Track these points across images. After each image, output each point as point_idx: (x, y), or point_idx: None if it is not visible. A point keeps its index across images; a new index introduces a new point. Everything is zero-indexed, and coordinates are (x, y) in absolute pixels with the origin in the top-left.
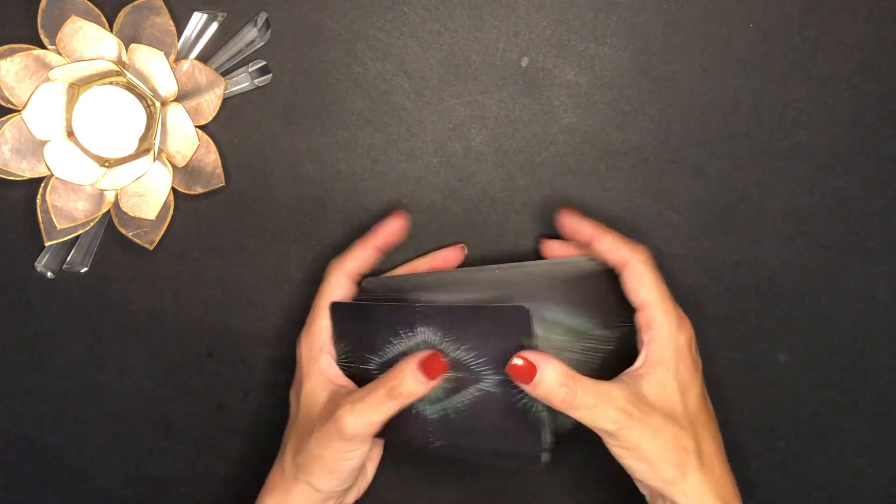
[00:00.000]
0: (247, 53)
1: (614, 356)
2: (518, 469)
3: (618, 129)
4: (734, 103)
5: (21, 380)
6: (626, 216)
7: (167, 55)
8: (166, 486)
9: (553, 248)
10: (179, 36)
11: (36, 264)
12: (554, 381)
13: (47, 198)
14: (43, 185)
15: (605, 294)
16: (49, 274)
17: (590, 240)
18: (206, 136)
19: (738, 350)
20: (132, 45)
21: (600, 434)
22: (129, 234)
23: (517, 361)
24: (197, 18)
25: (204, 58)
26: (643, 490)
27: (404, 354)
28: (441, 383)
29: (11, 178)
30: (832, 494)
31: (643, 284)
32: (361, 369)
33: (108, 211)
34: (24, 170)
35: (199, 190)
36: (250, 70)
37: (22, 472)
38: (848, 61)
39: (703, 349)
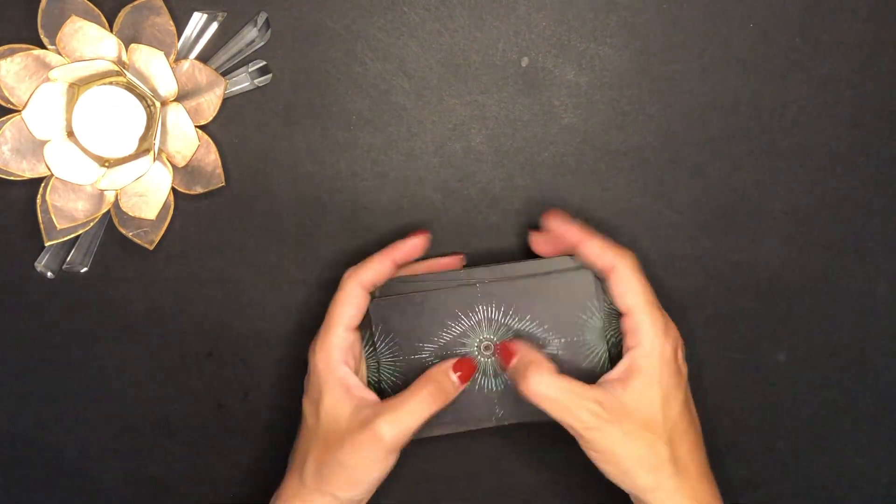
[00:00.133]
0: (247, 53)
1: (600, 358)
2: None
3: (618, 129)
4: (734, 103)
5: (21, 380)
6: (626, 216)
7: (167, 55)
8: (166, 486)
9: (540, 243)
10: (179, 36)
11: (36, 264)
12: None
13: (47, 198)
14: (43, 185)
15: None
16: (49, 274)
17: (576, 244)
18: (206, 136)
19: (738, 350)
20: (132, 45)
21: (573, 434)
22: (129, 234)
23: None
24: (197, 18)
25: (204, 58)
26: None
27: (465, 335)
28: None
29: (11, 178)
30: (832, 494)
31: (630, 290)
32: (413, 360)
33: (108, 211)
34: (24, 170)
35: (199, 190)
36: (250, 70)
37: (22, 472)
38: (848, 61)
39: (703, 349)
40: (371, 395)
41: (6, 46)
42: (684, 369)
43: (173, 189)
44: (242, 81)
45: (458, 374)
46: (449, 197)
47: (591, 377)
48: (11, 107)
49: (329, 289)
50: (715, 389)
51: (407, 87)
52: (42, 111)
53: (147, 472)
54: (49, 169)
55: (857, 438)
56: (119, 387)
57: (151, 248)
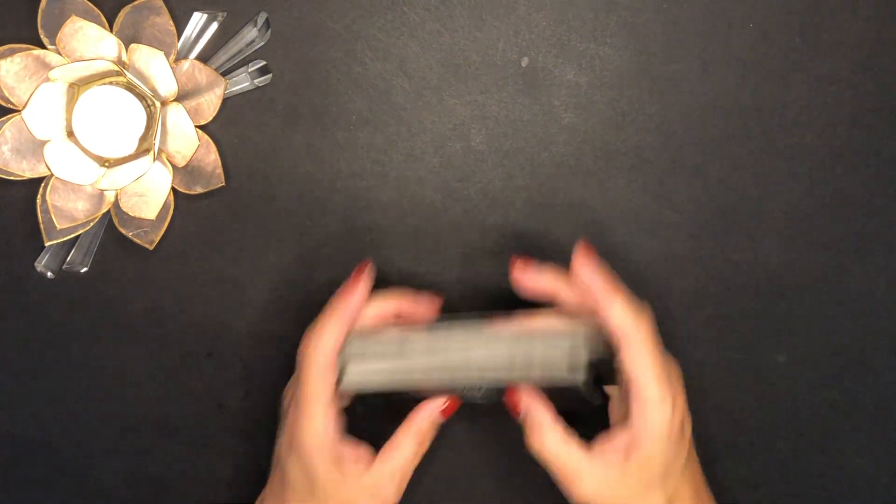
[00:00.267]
0: (247, 53)
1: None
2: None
3: (618, 129)
4: (734, 103)
5: (21, 380)
6: (626, 216)
7: (167, 55)
8: (166, 486)
9: (525, 279)
10: (179, 36)
11: (36, 264)
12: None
13: (47, 198)
14: (43, 185)
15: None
16: (49, 274)
17: (598, 304)
18: (206, 136)
19: (738, 350)
20: (132, 45)
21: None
22: (129, 234)
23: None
24: (197, 18)
25: (204, 58)
26: None
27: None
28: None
29: (11, 178)
30: (832, 494)
31: (643, 364)
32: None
33: (108, 211)
34: (24, 170)
35: (199, 190)
36: (250, 70)
37: (22, 472)
38: (848, 61)
39: (704, 349)
40: (364, 453)
41: (6, 46)
42: (688, 431)
43: (173, 189)
44: (242, 81)
45: (444, 415)
46: (449, 197)
47: (569, 394)
48: (11, 107)
49: (329, 289)
50: (715, 389)
51: (407, 87)
52: (42, 111)
53: (147, 472)
54: (49, 169)
55: (857, 438)
56: (119, 387)
57: (151, 248)
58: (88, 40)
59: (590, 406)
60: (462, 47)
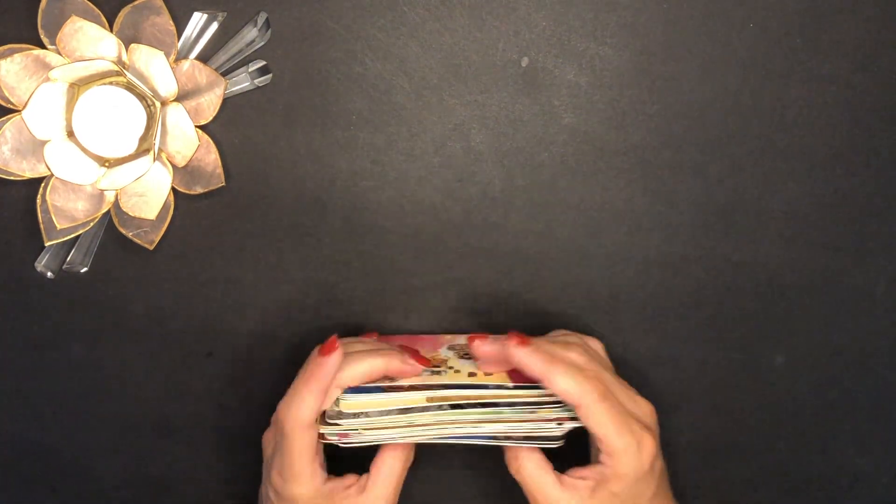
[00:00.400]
0: (247, 53)
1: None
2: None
3: (618, 129)
4: (734, 103)
5: (21, 380)
6: (626, 216)
7: (167, 55)
8: (166, 486)
9: (484, 353)
10: (179, 36)
11: (36, 264)
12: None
13: (47, 198)
14: (43, 185)
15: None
16: (49, 274)
17: (540, 379)
18: (206, 136)
19: (738, 350)
20: (132, 45)
21: None
22: (129, 234)
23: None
24: (197, 18)
25: (204, 58)
26: None
27: None
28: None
29: (11, 178)
30: (832, 494)
31: (599, 423)
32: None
33: (108, 211)
34: (24, 170)
35: (199, 190)
36: (250, 70)
37: (22, 472)
38: (848, 61)
39: (704, 349)
40: (351, 480)
41: (6, 46)
42: (658, 467)
43: (173, 189)
44: (242, 81)
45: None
46: (449, 197)
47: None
48: (11, 107)
49: (329, 289)
50: (715, 389)
51: (407, 87)
52: (42, 111)
53: (147, 472)
54: (49, 169)
55: (857, 438)
56: (119, 387)
57: (151, 248)
58: (88, 40)
59: (555, 448)
60: (462, 47)
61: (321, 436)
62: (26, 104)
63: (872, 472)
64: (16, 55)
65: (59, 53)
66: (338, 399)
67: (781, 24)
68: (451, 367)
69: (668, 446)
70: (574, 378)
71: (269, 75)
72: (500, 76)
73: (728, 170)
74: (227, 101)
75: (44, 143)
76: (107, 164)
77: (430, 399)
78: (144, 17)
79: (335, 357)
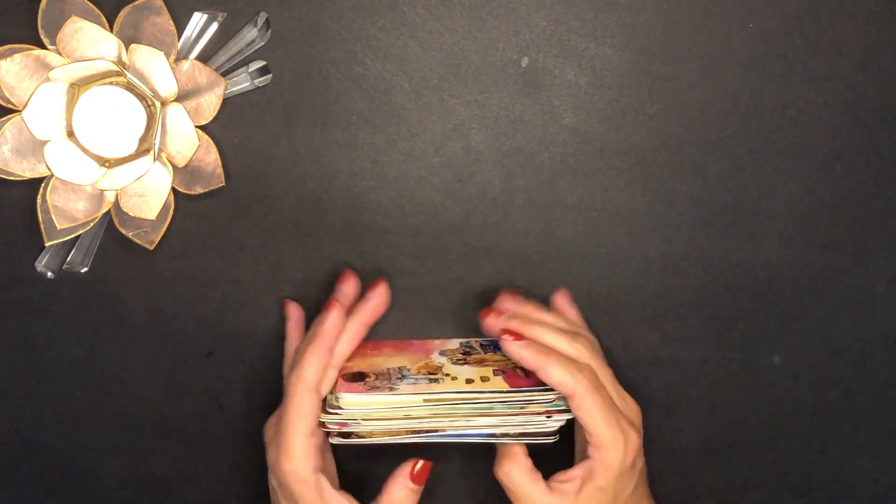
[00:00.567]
0: (247, 53)
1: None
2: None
3: (618, 129)
4: (734, 103)
5: (21, 380)
6: (626, 216)
7: (167, 55)
8: (166, 486)
9: (493, 324)
10: (179, 36)
11: (36, 264)
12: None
13: (47, 198)
14: (43, 185)
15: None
16: (49, 274)
17: (535, 370)
18: (206, 136)
19: (737, 350)
20: (132, 45)
21: None
22: (129, 234)
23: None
24: (197, 18)
25: (204, 58)
26: None
27: None
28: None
29: (11, 178)
30: (832, 494)
31: (589, 415)
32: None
33: (108, 211)
34: (25, 170)
35: (199, 190)
36: (250, 70)
37: (22, 472)
38: (848, 61)
39: (703, 349)
40: (346, 500)
41: (6, 46)
42: (639, 465)
43: (173, 189)
44: (242, 81)
45: (416, 481)
46: (449, 197)
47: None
48: (11, 107)
49: (329, 289)
50: (715, 389)
51: (407, 87)
52: (42, 111)
53: (147, 472)
54: (49, 169)
55: (857, 438)
56: (119, 387)
57: (151, 248)
58: (88, 40)
59: (550, 444)
60: (462, 47)
61: (321, 424)
62: (26, 104)
63: (872, 472)
64: (16, 55)
65: (60, 53)
66: (337, 396)
67: (781, 24)
68: (447, 374)
69: (669, 446)
70: (567, 370)
71: (269, 75)
72: (500, 76)
73: (728, 170)
74: (227, 101)
75: (44, 143)
76: (107, 164)
77: (426, 401)
78: (144, 17)
79: (336, 314)
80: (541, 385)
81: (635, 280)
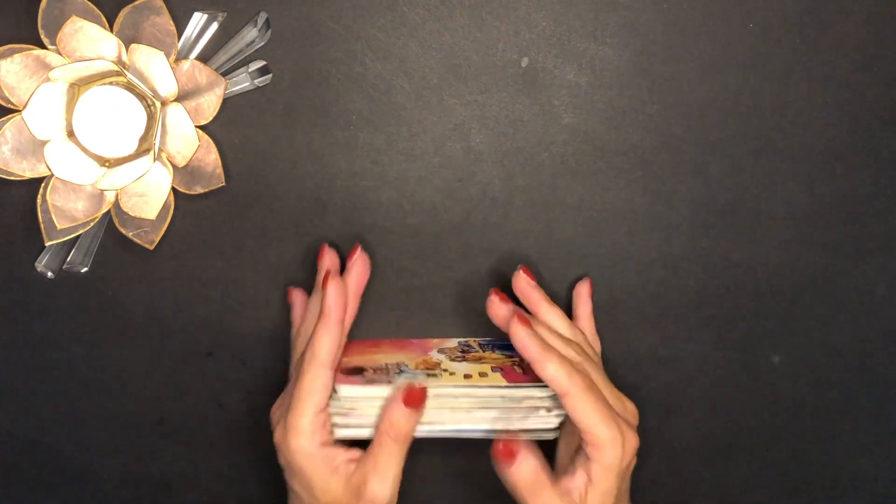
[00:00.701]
0: (247, 53)
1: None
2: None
3: (618, 129)
4: (734, 103)
5: (21, 380)
6: (626, 216)
7: (167, 55)
8: (166, 486)
9: (498, 309)
10: (179, 36)
11: (36, 264)
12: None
13: (47, 198)
14: (43, 185)
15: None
16: (49, 274)
17: (531, 362)
18: (206, 136)
19: (737, 350)
20: (132, 45)
21: None
22: (130, 234)
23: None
24: (197, 18)
25: (204, 58)
26: None
27: None
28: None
29: (11, 178)
30: (832, 494)
31: (585, 413)
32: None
33: (109, 211)
34: (25, 170)
35: (199, 190)
36: (250, 70)
37: (22, 472)
38: (848, 61)
39: (704, 349)
40: (352, 453)
41: (6, 46)
42: (632, 466)
43: (173, 189)
44: (242, 81)
45: (410, 405)
46: (449, 197)
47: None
48: (11, 107)
49: None
50: (715, 389)
51: (407, 87)
52: (42, 111)
53: (147, 472)
54: (49, 169)
55: (857, 438)
56: (119, 387)
57: (151, 248)
58: (88, 40)
59: (550, 439)
60: (462, 47)
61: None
62: (26, 104)
63: (872, 472)
64: (16, 55)
65: (60, 53)
66: (335, 389)
67: (781, 24)
68: (445, 370)
69: (669, 446)
70: (563, 367)
71: (269, 75)
72: (500, 76)
73: (728, 170)
74: (227, 101)
75: (44, 143)
76: (107, 164)
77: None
78: (144, 17)
79: (335, 284)
80: (539, 381)
81: (635, 280)
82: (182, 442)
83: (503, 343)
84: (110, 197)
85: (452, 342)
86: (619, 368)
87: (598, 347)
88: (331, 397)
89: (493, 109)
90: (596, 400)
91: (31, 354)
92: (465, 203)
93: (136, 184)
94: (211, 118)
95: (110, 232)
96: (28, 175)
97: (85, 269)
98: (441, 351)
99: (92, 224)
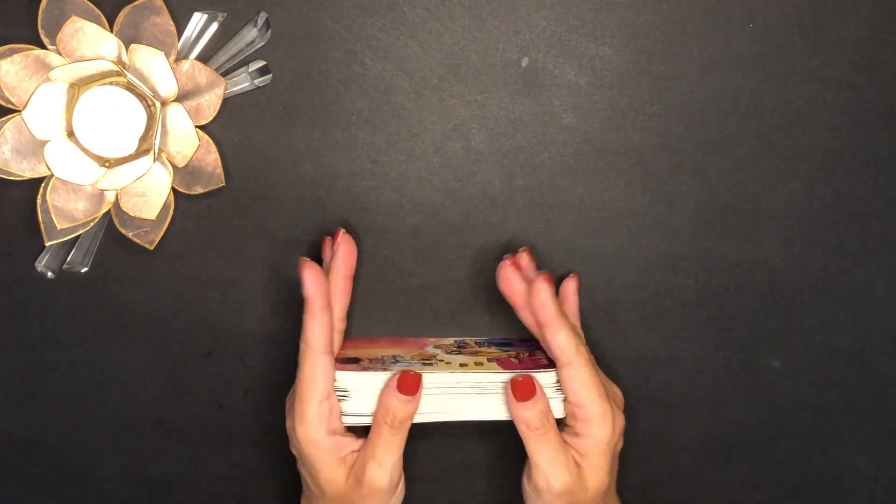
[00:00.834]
0: (247, 53)
1: None
2: None
3: (618, 129)
4: (734, 103)
5: (21, 380)
6: (626, 216)
7: (167, 55)
8: (166, 486)
9: (510, 280)
10: (179, 36)
11: (36, 264)
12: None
13: (47, 198)
14: (43, 185)
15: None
16: (49, 274)
17: (546, 326)
18: (206, 136)
19: (737, 350)
20: (132, 46)
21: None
22: (130, 234)
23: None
24: (197, 18)
25: (204, 58)
26: None
27: None
28: None
29: (11, 178)
30: (832, 494)
31: (583, 386)
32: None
33: (109, 211)
34: (25, 170)
35: (199, 190)
36: (250, 70)
37: (22, 472)
38: (848, 61)
39: (704, 349)
40: (359, 443)
41: (6, 46)
42: (619, 447)
43: (173, 189)
44: (242, 81)
45: (405, 391)
46: (449, 197)
47: None
48: (11, 107)
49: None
50: (715, 389)
51: (407, 87)
52: (42, 111)
53: (147, 472)
54: (49, 169)
55: (857, 438)
56: (119, 387)
57: (151, 248)
58: (88, 40)
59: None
60: (462, 47)
61: None
62: (26, 104)
63: (872, 472)
64: (16, 55)
65: (60, 53)
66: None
67: (781, 24)
68: (441, 361)
69: (669, 446)
70: (573, 339)
71: (269, 75)
72: (500, 76)
73: (728, 170)
74: (227, 101)
75: (44, 143)
76: (107, 164)
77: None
78: (144, 17)
79: (309, 271)
80: (536, 369)
81: (635, 280)
82: (182, 442)
83: (501, 341)
84: (110, 197)
85: (449, 340)
86: (619, 368)
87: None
88: None
89: (493, 109)
90: (595, 375)
91: (31, 354)
92: (465, 203)
93: (136, 184)
94: (211, 118)
95: (110, 232)
96: (28, 175)
97: (85, 269)
98: (437, 346)
99: (92, 224)
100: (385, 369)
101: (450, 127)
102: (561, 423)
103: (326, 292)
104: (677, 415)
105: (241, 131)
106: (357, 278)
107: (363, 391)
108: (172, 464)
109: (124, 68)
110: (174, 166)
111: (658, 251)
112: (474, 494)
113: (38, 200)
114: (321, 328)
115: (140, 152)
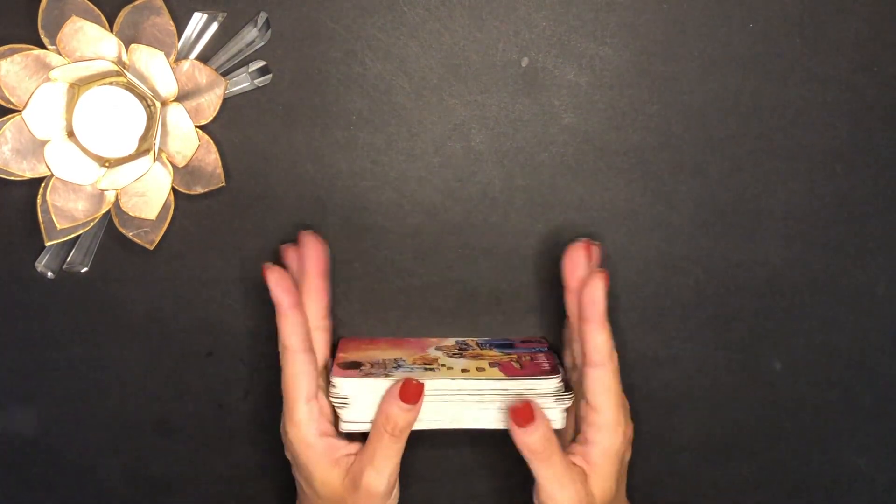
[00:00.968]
0: (247, 53)
1: None
2: None
3: (618, 129)
4: (734, 103)
5: (21, 380)
6: (626, 216)
7: (167, 55)
8: (166, 486)
9: (575, 265)
10: (179, 36)
11: (36, 264)
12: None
13: (47, 198)
14: (43, 185)
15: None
16: (49, 274)
17: (589, 321)
18: (206, 136)
19: (737, 350)
20: (132, 45)
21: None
22: (130, 234)
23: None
24: (197, 18)
25: (204, 58)
26: None
27: None
28: None
29: (11, 178)
30: (832, 494)
31: (605, 392)
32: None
33: (109, 211)
34: (25, 170)
35: (199, 190)
36: (250, 70)
37: (22, 472)
38: (848, 61)
39: (704, 349)
40: (354, 446)
41: (6, 46)
42: (627, 457)
43: (173, 189)
44: (242, 81)
45: (407, 400)
46: (449, 197)
47: None
48: (11, 107)
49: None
50: (715, 389)
51: (407, 87)
52: (42, 111)
53: (147, 471)
54: (49, 169)
55: (857, 438)
56: (119, 387)
57: (151, 248)
58: (88, 40)
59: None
60: (462, 47)
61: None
62: (26, 104)
63: (872, 472)
64: (16, 55)
65: (59, 53)
66: (332, 383)
67: (781, 24)
68: (442, 365)
69: (669, 446)
70: (609, 342)
71: (269, 75)
72: (500, 76)
73: (728, 170)
74: (227, 101)
75: (44, 143)
76: (107, 164)
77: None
78: (144, 17)
79: (271, 275)
80: (538, 376)
81: (635, 280)
82: (182, 442)
83: (501, 342)
84: (110, 197)
85: (450, 341)
86: (619, 369)
87: None
88: (329, 389)
89: (493, 109)
90: (618, 384)
91: (31, 354)
92: (465, 203)
93: (136, 184)
94: (211, 118)
95: (110, 232)
96: (28, 175)
97: (85, 269)
98: (439, 349)
99: (92, 224)
100: (387, 375)
101: (450, 127)
102: (565, 433)
103: (293, 291)
104: (677, 415)
105: (241, 131)
106: (357, 278)
107: (364, 398)
108: (172, 464)
109: (124, 68)
110: (174, 166)
111: (658, 251)
112: (474, 496)
113: (38, 200)
114: (294, 327)
115: (140, 152)
